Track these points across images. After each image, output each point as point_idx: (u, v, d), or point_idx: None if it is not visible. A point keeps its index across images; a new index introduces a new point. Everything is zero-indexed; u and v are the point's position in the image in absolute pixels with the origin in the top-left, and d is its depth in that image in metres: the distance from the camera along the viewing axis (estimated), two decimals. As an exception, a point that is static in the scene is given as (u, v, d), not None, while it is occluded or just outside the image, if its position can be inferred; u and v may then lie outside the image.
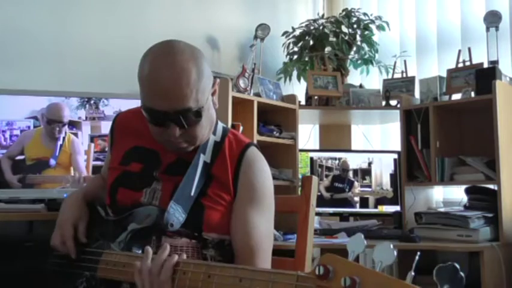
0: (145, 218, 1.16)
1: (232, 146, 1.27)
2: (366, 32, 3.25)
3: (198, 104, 1.15)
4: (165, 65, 1.12)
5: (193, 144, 1.22)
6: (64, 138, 2.07)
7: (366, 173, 3.00)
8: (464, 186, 2.66)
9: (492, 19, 2.75)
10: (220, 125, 1.33)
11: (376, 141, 3.44)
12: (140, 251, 1.12)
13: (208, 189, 1.21)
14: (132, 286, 1.09)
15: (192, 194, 1.18)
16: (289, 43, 3.29)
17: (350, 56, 3.27)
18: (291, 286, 0.77)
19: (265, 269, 0.93)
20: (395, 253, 0.73)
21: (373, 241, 2.14)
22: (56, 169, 2.07)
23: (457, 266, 0.69)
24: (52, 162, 2.06)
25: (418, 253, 0.75)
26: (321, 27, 3.26)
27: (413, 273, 0.70)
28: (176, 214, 1.14)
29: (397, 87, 3.07)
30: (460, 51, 2.87)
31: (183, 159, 1.24)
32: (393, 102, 3.01)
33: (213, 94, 1.25)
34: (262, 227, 1.21)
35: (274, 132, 2.86)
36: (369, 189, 2.97)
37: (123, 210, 1.21)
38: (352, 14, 3.29)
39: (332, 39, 3.22)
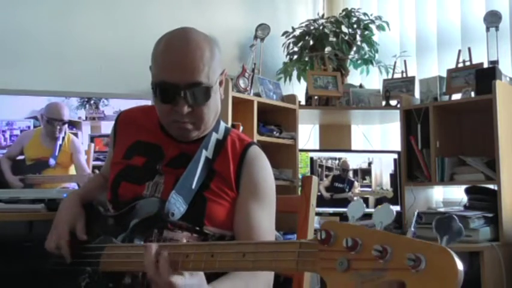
0: (146, 213, 1.16)
1: (234, 145, 1.28)
2: (366, 32, 3.25)
3: (209, 81, 1.17)
4: (180, 41, 1.18)
5: (198, 128, 1.23)
6: (64, 138, 2.07)
7: (366, 173, 3.00)
8: (464, 186, 2.66)
9: (492, 19, 2.75)
10: (223, 124, 1.34)
11: (376, 141, 3.44)
12: (142, 242, 1.12)
13: (211, 183, 1.22)
14: (134, 279, 1.09)
15: (193, 186, 1.18)
16: (289, 43, 3.29)
17: (350, 56, 3.27)
18: (294, 254, 0.78)
19: (268, 241, 0.94)
20: (394, 212, 0.77)
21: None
22: (56, 169, 2.06)
23: (456, 217, 0.73)
24: (52, 162, 2.06)
25: (417, 211, 0.79)
26: (321, 27, 3.26)
27: (413, 229, 0.72)
28: (177, 204, 1.14)
29: (397, 87, 3.07)
30: (460, 51, 2.87)
31: (186, 154, 1.25)
32: (393, 102, 3.01)
33: (220, 83, 1.27)
34: (265, 223, 1.22)
35: (274, 132, 2.86)
36: (369, 189, 2.97)
37: (124, 204, 1.21)
38: (352, 14, 3.29)
39: (332, 39, 3.22)
